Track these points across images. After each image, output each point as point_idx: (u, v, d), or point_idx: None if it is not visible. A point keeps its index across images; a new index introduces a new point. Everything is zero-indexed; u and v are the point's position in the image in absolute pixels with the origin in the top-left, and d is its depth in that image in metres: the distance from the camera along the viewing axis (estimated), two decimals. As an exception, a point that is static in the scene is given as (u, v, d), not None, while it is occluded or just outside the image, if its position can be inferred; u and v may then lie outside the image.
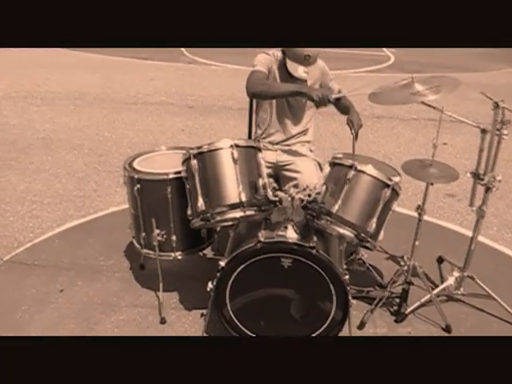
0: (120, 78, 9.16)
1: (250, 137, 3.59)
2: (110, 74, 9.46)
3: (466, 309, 3.26)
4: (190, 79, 9.20)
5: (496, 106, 2.85)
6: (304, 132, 3.44)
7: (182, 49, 12.03)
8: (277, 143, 3.39)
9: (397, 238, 3.63)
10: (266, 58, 3.26)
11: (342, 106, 3.39)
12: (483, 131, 2.97)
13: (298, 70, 3.10)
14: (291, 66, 3.12)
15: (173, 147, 3.43)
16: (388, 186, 2.59)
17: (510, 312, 3.13)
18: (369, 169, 2.58)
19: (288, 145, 3.40)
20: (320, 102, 2.91)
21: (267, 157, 3.13)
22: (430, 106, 2.96)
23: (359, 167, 2.56)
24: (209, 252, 3.51)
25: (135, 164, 3.14)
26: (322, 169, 3.25)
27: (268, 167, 3.19)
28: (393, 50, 13.20)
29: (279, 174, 3.36)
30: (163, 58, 10.92)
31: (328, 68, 3.44)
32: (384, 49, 13.47)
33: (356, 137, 3.24)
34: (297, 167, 3.28)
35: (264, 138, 3.41)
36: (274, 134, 3.39)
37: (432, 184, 3.04)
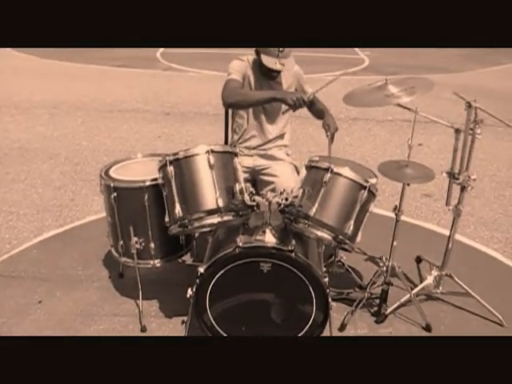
0: (96, 85, 9.10)
1: (226, 142, 3.59)
2: (87, 82, 9.40)
3: (446, 307, 3.29)
4: (167, 86, 9.18)
5: (469, 105, 2.88)
6: (281, 136, 3.45)
7: (158, 55, 12.01)
8: (253, 148, 3.40)
9: (375, 238, 3.65)
10: (240, 65, 3.27)
11: (317, 109, 3.41)
12: (457, 131, 2.99)
13: (274, 63, 3.10)
14: (266, 60, 3.12)
15: (149, 154, 3.42)
16: (364, 187, 2.60)
17: (488, 309, 3.16)
18: (345, 171, 2.59)
19: (265, 149, 3.40)
20: (295, 105, 2.92)
21: (244, 162, 3.14)
22: (404, 107, 2.98)
23: (335, 170, 2.57)
24: (188, 258, 3.49)
25: (111, 172, 3.12)
26: (299, 172, 3.26)
27: (245, 172, 3.20)
28: (367, 52, 13.30)
29: (256, 179, 3.37)
30: (139, 65, 10.88)
31: (303, 72, 3.46)
32: (358, 51, 13.57)
33: (332, 140, 3.26)
34: (274, 171, 3.28)
35: (241, 143, 3.42)
36: (250, 139, 3.39)
37: (408, 184, 3.06)
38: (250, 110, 3.32)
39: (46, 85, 9.08)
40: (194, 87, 9.07)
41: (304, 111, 3.08)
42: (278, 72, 3.24)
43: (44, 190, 4.92)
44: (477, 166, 5.66)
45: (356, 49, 14.03)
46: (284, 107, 3.12)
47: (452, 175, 3.05)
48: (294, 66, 3.33)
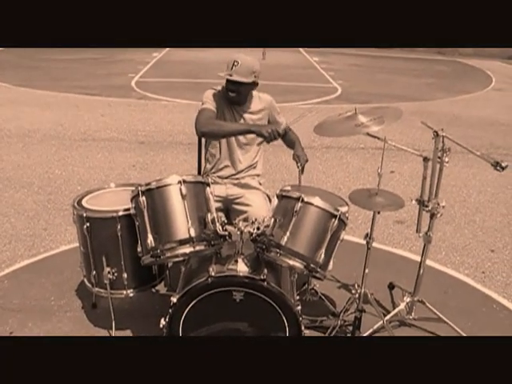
0: (70, 114, 9.07)
1: (199, 172, 3.62)
2: (61, 110, 9.36)
3: (418, 333, 3.32)
4: (141, 115, 9.19)
5: (436, 134, 2.95)
6: (253, 165, 3.48)
7: (133, 84, 12.04)
8: (226, 177, 3.43)
9: (348, 266, 3.69)
10: (213, 94, 3.32)
11: (289, 140, 3.47)
12: (425, 159, 3.05)
13: (223, 75, 3.19)
14: (224, 73, 3.20)
15: (122, 184, 3.42)
16: (335, 216, 2.64)
17: (460, 334, 3.20)
18: (316, 200, 2.63)
19: (238, 178, 3.43)
20: (270, 137, 2.97)
21: (217, 191, 3.16)
22: (373, 136, 3.04)
23: (306, 199, 2.61)
24: (162, 288, 3.48)
25: (84, 202, 3.11)
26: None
27: (218, 201, 3.22)
28: (340, 81, 13.50)
29: (229, 208, 3.39)
30: (114, 94, 10.90)
31: (275, 102, 3.51)
32: (331, 80, 13.78)
33: (302, 171, 3.31)
34: (246, 200, 3.32)
35: (214, 173, 3.44)
36: (223, 168, 3.43)
37: (379, 212, 3.11)
38: (223, 140, 3.36)
39: (20, 113, 9.03)
40: (169, 116, 9.09)
41: (279, 140, 3.12)
42: (234, 91, 3.26)
43: (17, 219, 4.87)
44: (447, 193, 5.77)
45: (329, 78, 14.25)
46: (259, 139, 3.17)
47: (421, 203, 3.10)
48: (267, 98, 3.39)
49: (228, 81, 3.22)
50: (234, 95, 3.28)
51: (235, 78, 3.16)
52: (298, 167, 3.30)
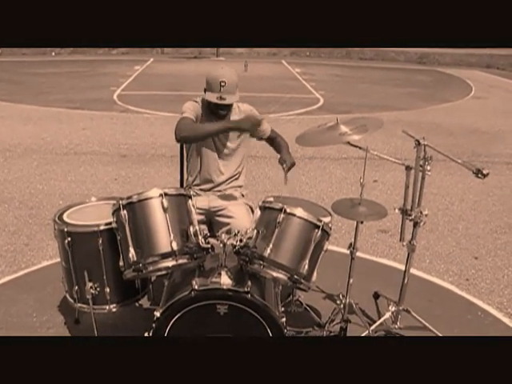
0: (53, 128, 9.02)
1: (181, 184, 3.60)
2: (43, 124, 9.30)
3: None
4: (123, 128, 9.16)
5: (418, 143, 2.96)
6: (235, 176, 3.47)
7: (115, 97, 12.01)
8: (208, 189, 3.41)
9: (333, 276, 3.68)
10: (193, 105, 3.31)
11: (277, 145, 3.49)
12: (407, 168, 3.06)
13: (214, 98, 3.15)
14: (208, 95, 3.18)
15: (104, 198, 3.39)
16: (318, 226, 2.63)
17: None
18: (298, 211, 2.62)
19: (220, 190, 3.42)
20: (251, 128, 2.97)
21: (199, 203, 3.14)
22: (354, 145, 3.05)
23: (289, 210, 2.60)
24: (145, 302, 3.45)
25: (65, 216, 3.08)
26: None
27: (200, 213, 3.20)
28: (322, 92, 13.59)
29: (212, 220, 3.37)
30: (96, 107, 10.85)
31: (257, 112, 3.51)
32: (313, 91, 13.85)
33: (288, 169, 3.28)
34: (229, 212, 3.30)
35: (196, 185, 3.43)
36: (205, 181, 3.41)
37: (362, 222, 3.11)
38: (203, 152, 3.34)
39: (1, 128, 8.96)
40: (151, 129, 9.07)
41: (261, 151, 3.11)
42: (224, 109, 3.26)
43: (-3, 235, 4.82)
44: (430, 201, 5.81)
45: (311, 88, 14.33)
46: (241, 149, 3.16)
47: (404, 211, 3.11)
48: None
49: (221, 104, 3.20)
50: (223, 113, 3.27)
51: (229, 100, 3.17)
52: (283, 169, 3.28)
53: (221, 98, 3.15)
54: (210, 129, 3.15)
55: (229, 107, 3.28)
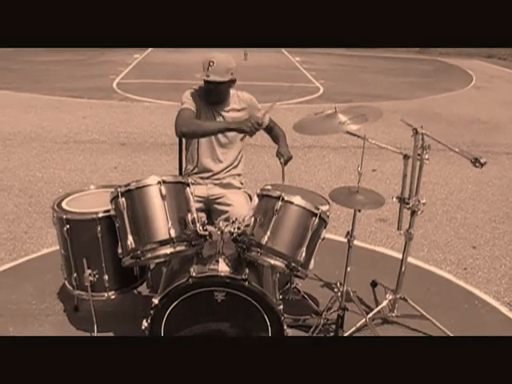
0: (52, 116, 8.99)
1: (180, 172, 3.61)
2: (43, 113, 9.28)
3: (401, 330, 3.33)
4: (123, 116, 9.13)
5: (415, 132, 2.96)
6: (234, 165, 3.48)
7: (114, 86, 11.97)
8: (207, 178, 3.42)
9: (331, 264, 3.70)
10: (193, 94, 3.31)
11: (274, 135, 3.51)
12: (405, 157, 3.06)
13: (201, 76, 3.19)
14: (199, 75, 3.20)
15: (102, 186, 3.40)
16: (315, 214, 2.64)
17: (442, 331, 3.21)
18: (296, 199, 2.63)
19: (219, 178, 3.43)
20: (252, 131, 2.98)
21: (198, 191, 3.15)
22: (353, 134, 3.05)
23: (286, 198, 2.61)
24: (144, 289, 3.46)
25: (64, 204, 3.09)
26: (253, 201, 3.29)
27: (199, 201, 3.22)
28: (322, 81, 13.54)
29: (211, 208, 3.38)
30: (95, 95, 10.82)
31: (257, 100, 3.51)
32: (314, 80, 13.81)
33: (285, 163, 3.31)
34: (227, 200, 3.31)
35: (195, 174, 3.43)
36: (203, 168, 3.42)
37: (360, 210, 3.12)
38: (203, 140, 3.35)
39: (1, 116, 8.94)
40: (151, 117, 9.05)
41: (260, 139, 3.12)
42: (212, 96, 3.29)
43: (-4, 223, 4.83)
44: (429, 190, 5.81)
45: (311, 77, 14.28)
46: (240, 136, 3.17)
47: (402, 200, 3.11)
48: (246, 97, 3.38)
49: (206, 81, 3.21)
50: (214, 96, 3.27)
51: (213, 78, 3.16)
52: (280, 163, 3.30)
53: (206, 76, 3.16)
54: (210, 128, 3.18)
55: (219, 91, 3.28)
